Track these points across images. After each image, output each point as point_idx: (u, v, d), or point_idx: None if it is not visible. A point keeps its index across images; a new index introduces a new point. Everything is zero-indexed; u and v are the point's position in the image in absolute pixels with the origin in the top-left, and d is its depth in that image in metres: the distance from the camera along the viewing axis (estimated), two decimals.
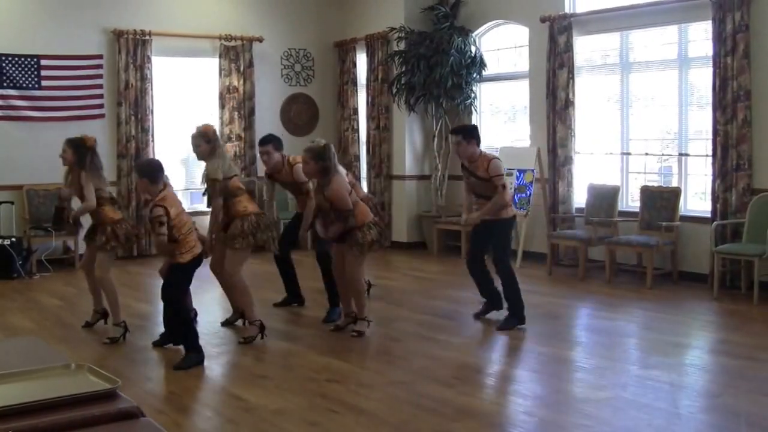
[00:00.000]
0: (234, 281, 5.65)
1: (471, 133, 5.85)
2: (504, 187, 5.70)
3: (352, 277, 5.54)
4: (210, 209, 5.81)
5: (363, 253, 5.52)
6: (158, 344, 5.47)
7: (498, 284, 5.98)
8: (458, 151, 5.86)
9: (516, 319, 5.80)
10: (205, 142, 5.67)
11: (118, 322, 5.73)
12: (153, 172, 4.96)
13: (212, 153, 5.66)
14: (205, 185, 5.72)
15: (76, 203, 6.03)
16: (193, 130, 5.75)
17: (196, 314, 6.11)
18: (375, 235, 5.50)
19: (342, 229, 5.45)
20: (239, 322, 6.01)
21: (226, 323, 6.06)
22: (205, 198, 5.84)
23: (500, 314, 6.01)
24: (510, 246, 5.94)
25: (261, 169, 10.24)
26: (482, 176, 5.73)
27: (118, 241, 5.75)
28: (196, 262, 5.11)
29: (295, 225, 6.54)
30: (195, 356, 5.06)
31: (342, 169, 5.58)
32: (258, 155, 10.07)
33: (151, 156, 9.43)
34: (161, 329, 5.57)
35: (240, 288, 5.67)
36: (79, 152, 5.75)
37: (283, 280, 6.78)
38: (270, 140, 6.32)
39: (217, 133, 5.83)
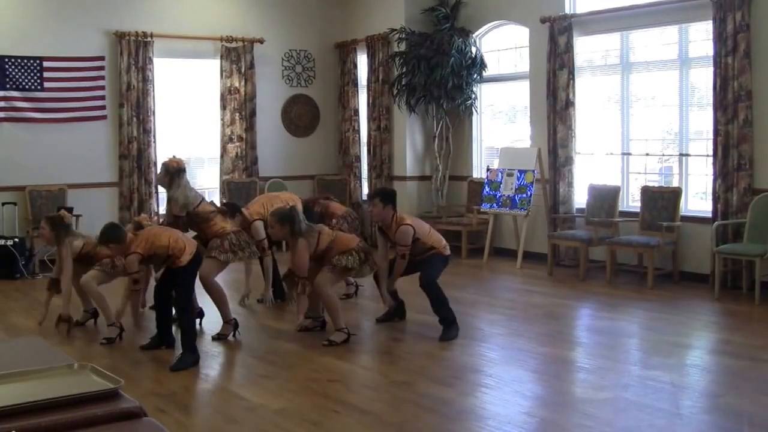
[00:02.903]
0: (208, 283, 5.72)
1: (389, 198, 5.82)
2: (404, 257, 5.71)
3: (320, 290, 5.47)
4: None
5: (334, 274, 5.51)
6: (148, 348, 5.48)
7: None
8: (372, 212, 5.90)
9: (455, 328, 5.70)
10: (164, 173, 5.91)
11: (111, 322, 5.77)
12: (116, 233, 5.24)
13: (171, 184, 5.83)
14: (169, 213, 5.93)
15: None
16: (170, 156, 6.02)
17: (203, 314, 6.16)
18: (353, 263, 5.44)
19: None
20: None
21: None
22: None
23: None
24: (439, 274, 5.84)
25: (262, 169, 10.32)
26: (391, 239, 5.80)
27: (114, 267, 5.84)
28: (196, 260, 5.27)
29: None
30: (191, 357, 5.11)
31: (318, 227, 5.58)
32: (258, 156, 10.21)
33: (152, 157, 9.46)
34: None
35: (214, 289, 5.77)
36: (57, 228, 5.86)
37: (263, 276, 6.87)
38: (225, 211, 6.28)
39: (184, 168, 5.93)
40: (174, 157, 6.00)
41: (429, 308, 5.89)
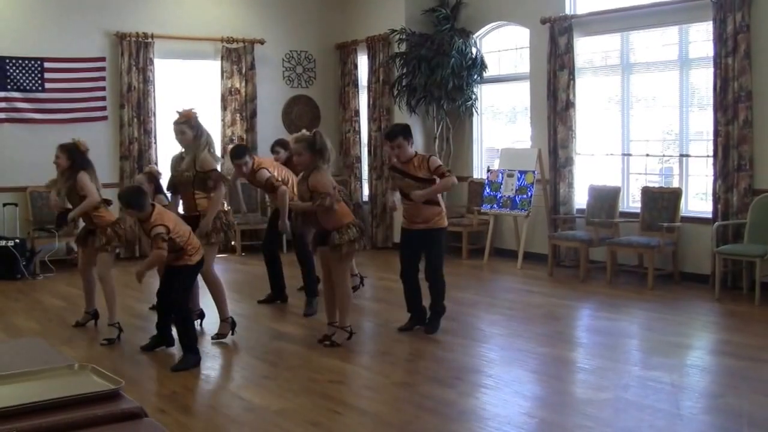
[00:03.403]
0: (209, 274, 5.67)
1: (410, 133, 5.66)
2: (450, 172, 5.66)
3: (338, 282, 5.40)
4: (169, 201, 5.99)
5: (342, 254, 5.32)
6: (147, 348, 5.46)
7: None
8: (399, 154, 5.58)
9: (438, 322, 5.81)
10: (188, 128, 5.68)
11: (113, 322, 5.77)
12: (138, 199, 4.95)
13: (197, 141, 5.67)
14: (190, 176, 5.68)
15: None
16: (176, 116, 5.75)
17: (203, 314, 6.15)
18: (353, 235, 5.32)
19: (323, 211, 5.25)
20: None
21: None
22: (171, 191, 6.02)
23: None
24: (444, 255, 5.83)
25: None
26: (422, 176, 5.57)
27: (120, 240, 5.81)
28: (202, 261, 5.24)
29: (274, 222, 6.73)
30: (193, 357, 5.10)
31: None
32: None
33: (153, 158, 9.46)
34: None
35: (215, 283, 5.71)
36: (73, 156, 5.82)
37: (269, 276, 6.97)
38: (245, 152, 6.44)
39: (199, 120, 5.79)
40: (188, 109, 5.76)
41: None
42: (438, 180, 5.57)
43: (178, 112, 5.80)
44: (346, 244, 5.29)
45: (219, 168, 5.73)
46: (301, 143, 5.34)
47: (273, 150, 7.15)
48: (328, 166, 5.32)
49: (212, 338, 5.73)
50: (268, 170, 6.41)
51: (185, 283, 5.19)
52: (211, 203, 5.68)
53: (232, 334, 5.76)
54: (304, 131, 5.78)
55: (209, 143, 5.75)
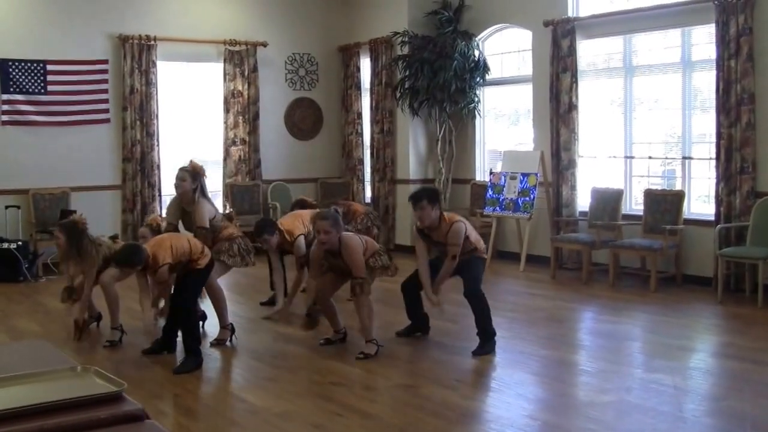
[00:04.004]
0: (211, 285, 5.71)
1: (436, 197, 5.41)
2: (454, 258, 5.32)
3: (361, 302, 5.31)
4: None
5: (372, 278, 5.37)
6: (149, 352, 5.44)
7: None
8: (421, 216, 5.36)
9: (492, 343, 5.42)
10: (191, 179, 5.71)
11: (116, 325, 5.78)
12: (137, 257, 4.98)
13: (193, 195, 5.72)
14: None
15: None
16: (185, 164, 5.81)
17: (205, 316, 6.16)
18: (385, 261, 5.38)
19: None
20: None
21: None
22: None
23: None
24: (481, 278, 5.56)
25: (266, 172, 10.34)
26: (441, 241, 5.43)
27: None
28: (211, 265, 5.30)
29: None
30: (195, 359, 5.11)
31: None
32: (261, 160, 10.23)
33: (155, 160, 9.47)
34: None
35: (217, 292, 5.77)
36: (73, 235, 5.63)
37: (270, 280, 7.02)
38: (263, 230, 6.39)
39: (204, 179, 5.86)
40: (198, 164, 5.85)
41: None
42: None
43: (191, 161, 5.86)
44: (380, 269, 5.38)
45: (207, 224, 5.70)
46: (327, 221, 5.17)
47: (292, 210, 7.18)
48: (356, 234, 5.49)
49: (211, 343, 5.73)
50: (304, 241, 6.39)
51: (194, 286, 5.25)
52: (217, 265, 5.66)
53: (231, 340, 5.75)
54: (320, 210, 5.82)
55: (206, 199, 5.79)
